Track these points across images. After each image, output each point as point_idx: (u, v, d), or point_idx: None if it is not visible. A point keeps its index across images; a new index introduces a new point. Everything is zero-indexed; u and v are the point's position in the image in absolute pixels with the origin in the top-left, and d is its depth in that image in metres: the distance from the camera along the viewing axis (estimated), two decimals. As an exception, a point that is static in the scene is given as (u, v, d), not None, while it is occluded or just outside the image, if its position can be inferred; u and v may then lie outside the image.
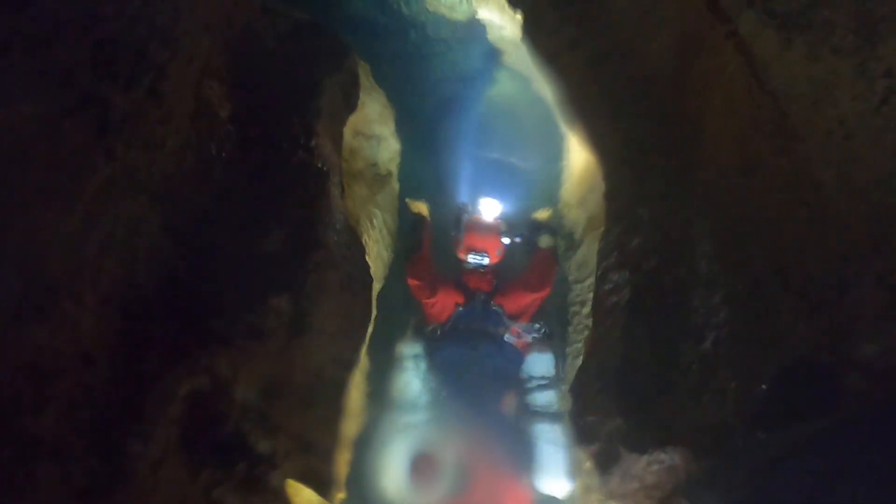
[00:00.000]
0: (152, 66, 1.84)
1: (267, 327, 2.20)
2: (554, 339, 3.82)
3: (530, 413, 3.44)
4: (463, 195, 4.53)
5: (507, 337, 3.69)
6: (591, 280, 4.05)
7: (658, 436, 2.22)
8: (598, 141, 3.14)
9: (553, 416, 3.37)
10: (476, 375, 3.51)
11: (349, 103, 3.41)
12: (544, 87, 3.84)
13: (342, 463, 2.67)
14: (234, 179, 2.41)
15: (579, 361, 2.92)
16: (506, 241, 3.90)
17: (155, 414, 1.77)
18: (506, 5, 3.80)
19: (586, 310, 3.60)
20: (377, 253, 3.76)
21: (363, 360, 3.19)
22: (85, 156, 1.60)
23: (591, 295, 3.69)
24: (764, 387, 1.90)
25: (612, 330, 2.59)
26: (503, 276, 3.89)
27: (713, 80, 2.53)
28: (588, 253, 3.94)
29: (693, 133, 2.66)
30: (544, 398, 3.46)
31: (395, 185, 4.15)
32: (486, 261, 3.82)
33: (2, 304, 1.36)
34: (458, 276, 3.86)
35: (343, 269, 2.93)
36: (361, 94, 3.63)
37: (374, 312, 3.45)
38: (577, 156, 4.01)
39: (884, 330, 1.70)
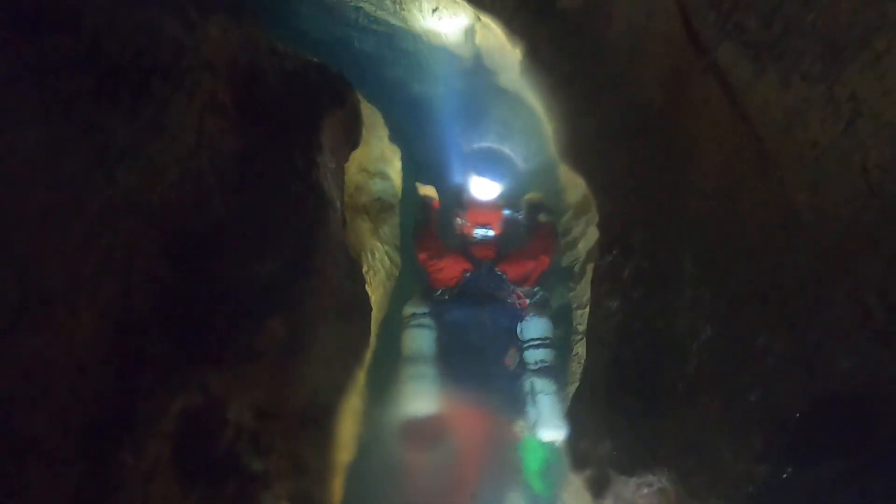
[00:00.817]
0: (154, 99, 1.96)
1: (261, 349, 2.26)
2: (552, 306, 4.18)
3: (529, 369, 3.82)
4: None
5: (510, 300, 4.02)
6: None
7: (645, 458, 2.24)
8: (593, 172, 3.22)
9: (548, 371, 3.78)
10: (481, 333, 3.87)
11: (351, 139, 3.53)
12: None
13: (335, 486, 2.70)
14: (234, 209, 2.50)
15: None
16: (506, 212, 4.32)
17: (147, 427, 1.83)
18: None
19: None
20: (379, 282, 3.84)
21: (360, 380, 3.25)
22: (86, 179, 1.70)
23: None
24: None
25: (603, 355, 2.63)
26: (506, 246, 4.24)
27: (700, 111, 2.61)
28: (587, 284, 4.01)
29: (682, 162, 2.73)
30: (541, 355, 3.81)
31: (397, 219, 4.25)
32: (490, 233, 4.19)
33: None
34: (465, 247, 4.20)
35: (341, 298, 3.00)
36: (365, 132, 3.75)
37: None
38: (575, 191, 4.10)
39: (856, 345, 1.73)
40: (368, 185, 3.98)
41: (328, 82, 3.52)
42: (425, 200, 4.38)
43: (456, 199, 4.41)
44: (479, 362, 3.82)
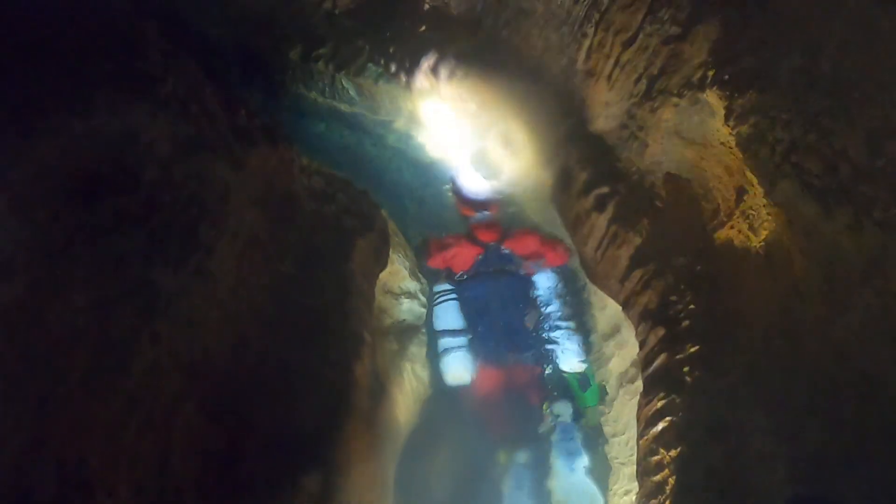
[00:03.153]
0: (201, 247, 1.88)
1: (297, 508, 2.08)
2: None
3: (547, 321, 4.39)
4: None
5: (521, 272, 4.56)
6: (626, 435, 3.93)
7: None
8: (629, 300, 3.12)
9: (563, 318, 4.34)
10: (501, 302, 4.41)
11: (380, 261, 3.47)
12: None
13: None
14: (270, 348, 2.38)
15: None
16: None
17: None
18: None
19: (628, 470, 3.56)
20: (406, 405, 3.70)
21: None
22: (131, 340, 1.59)
23: (630, 454, 3.64)
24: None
25: (660, 505, 2.43)
26: (506, 225, 4.66)
27: (745, 245, 2.55)
28: (621, 408, 3.85)
29: (728, 295, 2.65)
30: (555, 307, 4.39)
31: (424, 337, 4.14)
32: (488, 213, 4.61)
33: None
34: (468, 231, 4.61)
35: (373, 432, 2.85)
36: (391, 252, 3.70)
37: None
38: (603, 313, 4.01)
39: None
40: (394, 307, 3.89)
41: (355, 202, 3.50)
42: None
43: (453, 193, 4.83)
44: (504, 327, 4.36)
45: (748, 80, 2.46)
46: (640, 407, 2.82)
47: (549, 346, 4.29)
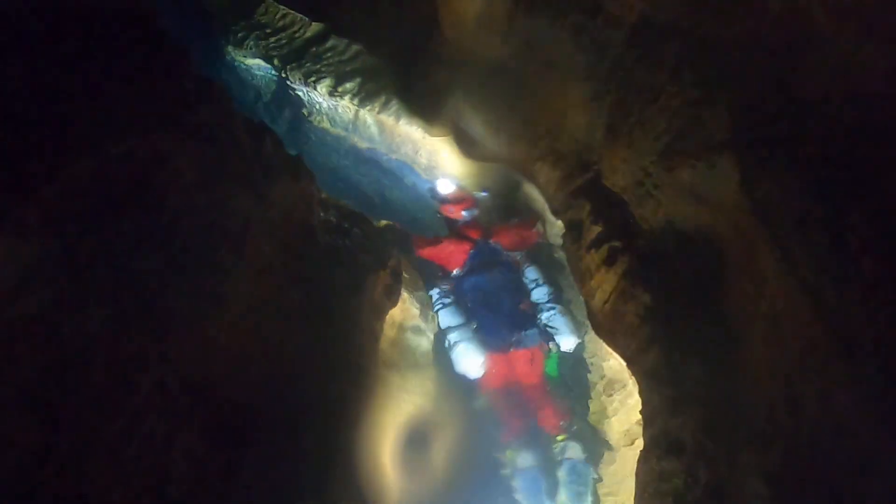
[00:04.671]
0: (217, 272, 1.92)
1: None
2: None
3: (539, 303, 4.76)
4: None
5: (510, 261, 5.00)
6: (624, 496, 3.89)
7: None
8: (634, 357, 3.12)
9: (553, 302, 4.72)
10: (497, 291, 4.79)
11: (391, 298, 3.51)
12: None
13: None
14: (274, 374, 2.41)
15: None
16: (479, 194, 5.20)
17: None
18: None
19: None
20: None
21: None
22: (141, 359, 1.62)
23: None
24: None
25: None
26: (487, 223, 5.12)
27: (752, 310, 2.56)
28: (623, 465, 3.82)
29: (732, 359, 2.65)
30: (541, 293, 4.79)
31: (431, 371, 4.14)
32: (475, 212, 5.11)
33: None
34: (454, 231, 5.09)
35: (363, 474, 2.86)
36: (404, 290, 3.73)
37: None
38: (606, 365, 4.00)
39: None
40: (401, 341, 3.91)
41: (370, 239, 3.55)
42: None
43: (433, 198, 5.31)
44: (503, 313, 4.69)
45: (766, 148, 2.50)
46: (640, 463, 2.80)
47: (547, 328, 4.63)
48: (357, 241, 3.36)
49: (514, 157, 4.34)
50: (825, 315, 2.14)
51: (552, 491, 4.36)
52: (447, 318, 4.51)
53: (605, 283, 3.35)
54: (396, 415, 3.60)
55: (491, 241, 5.03)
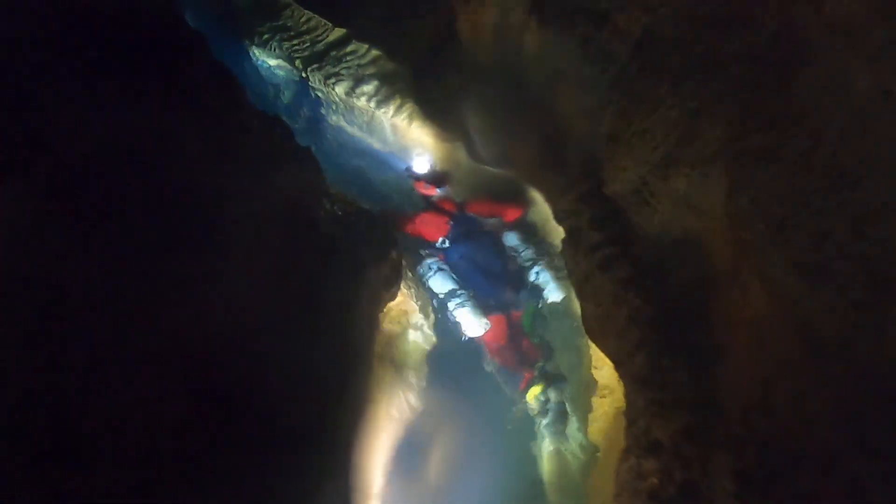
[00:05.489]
0: (217, 248, 2.02)
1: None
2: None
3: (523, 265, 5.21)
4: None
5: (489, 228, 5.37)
6: None
7: None
8: (622, 361, 3.18)
9: (535, 260, 5.14)
10: (484, 256, 5.15)
11: (389, 291, 3.58)
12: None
13: None
14: (268, 352, 2.49)
15: None
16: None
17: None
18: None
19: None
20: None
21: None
22: (136, 320, 1.72)
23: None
24: None
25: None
26: (459, 196, 5.52)
27: (737, 316, 2.61)
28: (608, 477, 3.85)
29: (714, 364, 2.69)
30: (526, 254, 5.18)
31: (425, 369, 4.21)
32: (448, 189, 5.42)
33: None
34: (432, 206, 5.36)
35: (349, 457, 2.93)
36: (404, 287, 3.81)
37: None
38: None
39: None
40: (400, 338, 3.99)
41: (373, 233, 3.64)
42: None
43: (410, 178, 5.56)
44: (494, 276, 5.08)
45: (754, 157, 2.56)
46: (620, 463, 2.84)
47: (536, 285, 5.04)
48: (360, 234, 3.46)
49: (520, 163, 4.43)
50: (800, 320, 2.19)
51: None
52: (440, 283, 4.82)
53: (600, 288, 3.41)
54: (389, 406, 3.67)
55: (467, 212, 5.39)
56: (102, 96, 1.82)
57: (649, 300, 3.10)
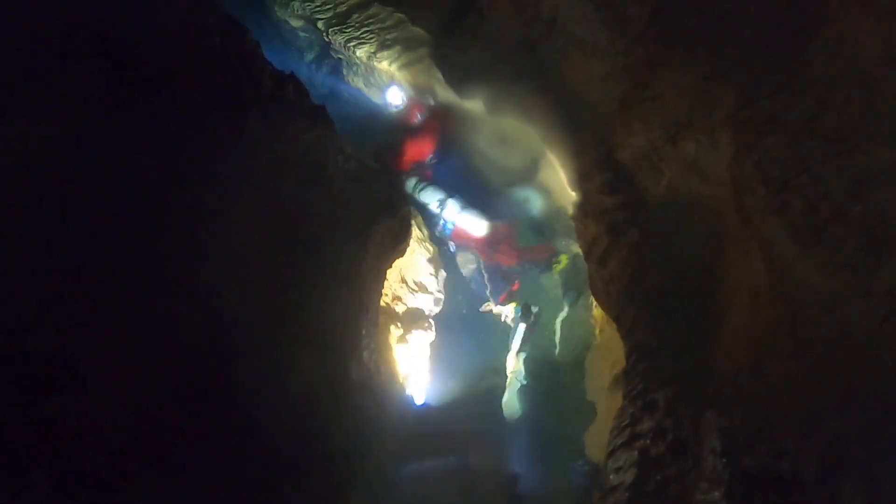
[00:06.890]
0: (221, 185, 2.10)
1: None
2: None
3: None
4: None
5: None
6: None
7: None
8: (621, 317, 3.22)
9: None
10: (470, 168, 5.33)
11: (396, 247, 3.65)
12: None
13: None
14: (271, 299, 2.57)
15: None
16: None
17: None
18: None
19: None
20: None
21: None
22: (135, 252, 1.81)
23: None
24: None
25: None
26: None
27: (738, 281, 2.63)
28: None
29: (714, 327, 2.72)
30: None
31: (433, 332, 4.29)
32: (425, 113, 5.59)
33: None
34: (413, 131, 5.47)
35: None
36: (413, 244, 3.87)
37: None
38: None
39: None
40: (407, 296, 4.06)
41: (385, 191, 3.70)
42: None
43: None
44: (481, 186, 5.25)
45: (761, 122, 2.56)
46: (616, 417, 2.90)
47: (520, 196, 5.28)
48: (371, 190, 3.52)
49: (536, 127, 4.44)
50: (794, 283, 2.21)
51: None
52: (431, 194, 5.02)
53: (606, 250, 3.44)
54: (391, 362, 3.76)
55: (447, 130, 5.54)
56: (107, 28, 1.88)
57: (654, 262, 3.12)
